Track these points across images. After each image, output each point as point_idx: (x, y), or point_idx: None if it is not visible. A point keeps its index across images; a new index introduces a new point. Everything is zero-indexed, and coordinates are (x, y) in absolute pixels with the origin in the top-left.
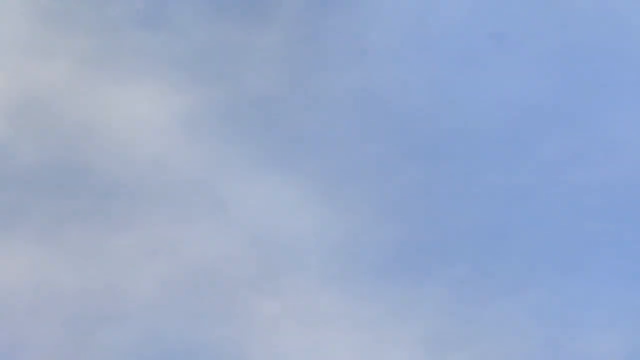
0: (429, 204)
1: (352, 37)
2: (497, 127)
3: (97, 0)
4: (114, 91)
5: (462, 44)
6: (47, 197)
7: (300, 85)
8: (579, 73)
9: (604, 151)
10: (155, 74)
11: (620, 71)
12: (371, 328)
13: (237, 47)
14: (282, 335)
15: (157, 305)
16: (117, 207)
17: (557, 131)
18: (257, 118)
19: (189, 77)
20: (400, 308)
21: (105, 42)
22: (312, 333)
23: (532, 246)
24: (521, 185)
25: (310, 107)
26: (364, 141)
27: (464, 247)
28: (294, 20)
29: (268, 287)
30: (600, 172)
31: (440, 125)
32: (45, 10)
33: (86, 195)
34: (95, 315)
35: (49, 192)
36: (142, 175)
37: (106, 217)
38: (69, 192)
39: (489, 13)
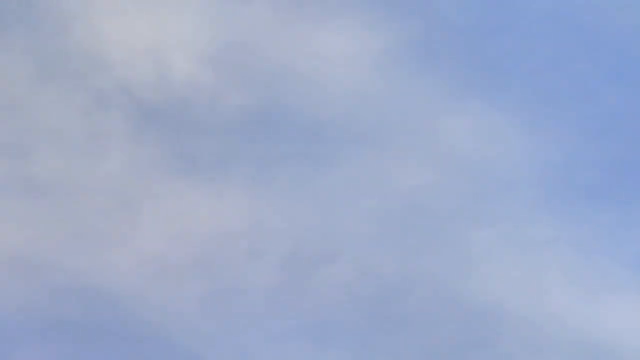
0: (637, 123)
1: None
2: None
3: None
4: (312, 31)
5: None
6: (254, 141)
7: (495, 10)
8: None
9: None
10: (352, 11)
11: None
12: (586, 250)
13: None
14: (496, 263)
15: (371, 240)
16: (323, 147)
17: None
18: (455, 48)
19: (385, 12)
20: (615, 228)
21: None
22: (527, 259)
23: None
24: None
25: (507, 32)
26: (565, 62)
27: None
28: None
29: (480, 216)
30: None
31: None
32: None
33: (291, 137)
34: (310, 254)
35: (255, 136)
36: (345, 113)
37: (313, 158)
38: (274, 135)
39: None
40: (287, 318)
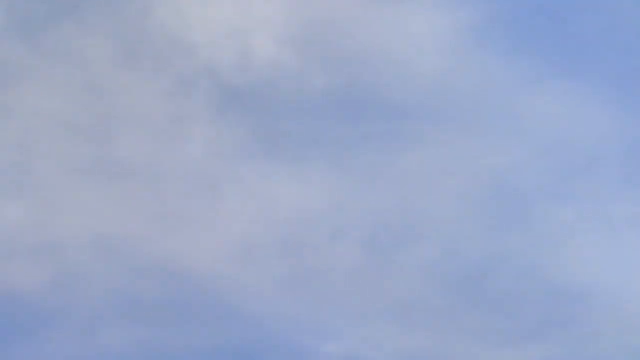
0: None
1: None
2: None
3: None
4: (396, 11)
5: None
6: (338, 122)
7: None
8: None
9: None
10: None
11: None
12: None
13: None
14: (581, 241)
15: (454, 220)
16: (407, 127)
17: None
18: (539, 27)
19: None
20: None
21: None
22: (612, 237)
23: None
24: None
25: (591, 10)
26: None
27: None
28: None
29: (562, 194)
30: None
31: None
32: None
33: (375, 117)
34: (393, 235)
35: (338, 117)
36: (429, 93)
37: (396, 138)
38: (358, 115)
39: None
40: (370, 298)
